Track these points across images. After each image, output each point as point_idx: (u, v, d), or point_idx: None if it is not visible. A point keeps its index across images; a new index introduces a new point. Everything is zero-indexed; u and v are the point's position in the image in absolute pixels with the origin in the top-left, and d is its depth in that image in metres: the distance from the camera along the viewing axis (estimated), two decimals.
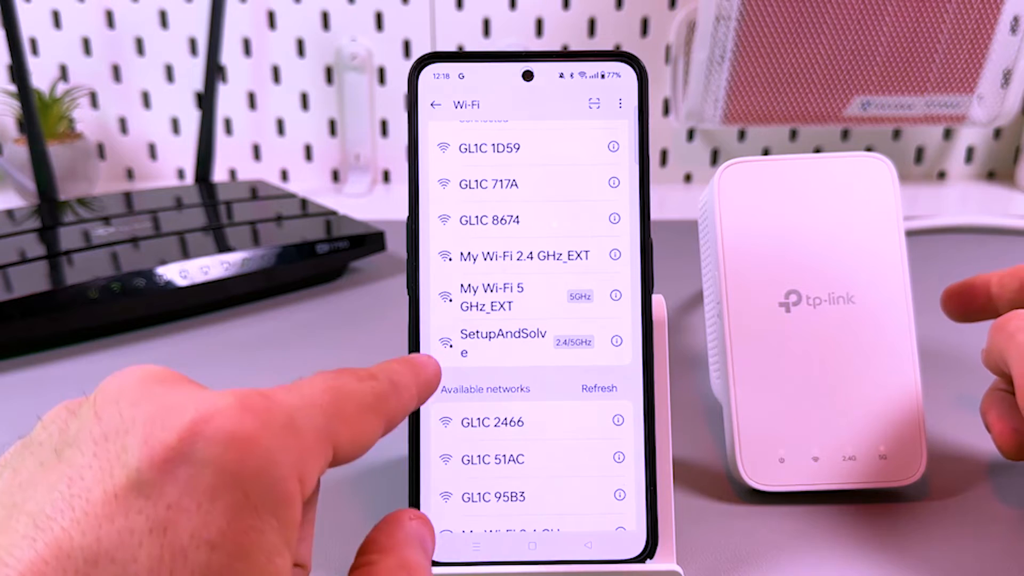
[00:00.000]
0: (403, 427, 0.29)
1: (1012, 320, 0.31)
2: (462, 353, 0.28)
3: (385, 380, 0.21)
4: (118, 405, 0.17)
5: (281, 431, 0.17)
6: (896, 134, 0.83)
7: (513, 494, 0.28)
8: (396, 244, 0.62)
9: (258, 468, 0.16)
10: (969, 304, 0.36)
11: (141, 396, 0.17)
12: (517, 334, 0.28)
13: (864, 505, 0.33)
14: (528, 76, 0.28)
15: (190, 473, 0.16)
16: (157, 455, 0.16)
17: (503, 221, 0.28)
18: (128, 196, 0.67)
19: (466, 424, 0.28)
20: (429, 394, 0.23)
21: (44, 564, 0.15)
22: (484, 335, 0.28)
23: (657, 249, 0.29)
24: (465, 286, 0.28)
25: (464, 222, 0.28)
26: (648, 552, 0.27)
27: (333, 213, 0.63)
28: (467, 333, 0.28)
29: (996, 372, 0.33)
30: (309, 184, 0.84)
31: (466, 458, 0.28)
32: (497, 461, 0.28)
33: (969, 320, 0.37)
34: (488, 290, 0.28)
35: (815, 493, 0.34)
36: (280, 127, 0.84)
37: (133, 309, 0.50)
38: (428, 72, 0.28)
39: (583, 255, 0.28)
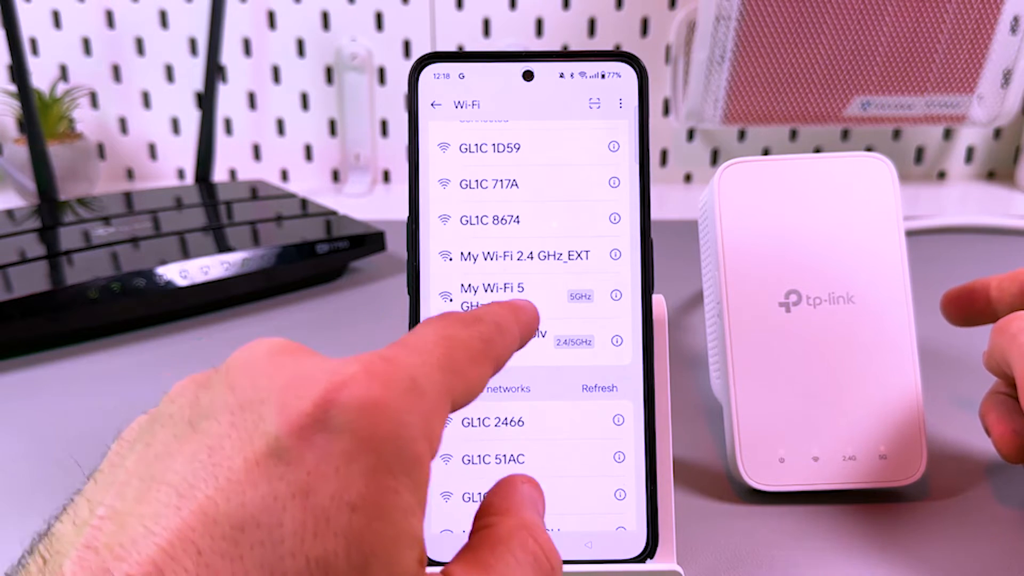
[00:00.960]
0: None
1: (1014, 322, 0.31)
2: None
3: (491, 323, 0.21)
4: (251, 376, 0.18)
5: (406, 394, 0.18)
6: (896, 134, 0.83)
7: None
8: (396, 244, 0.62)
9: (389, 432, 0.17)
10: (968, 308, 0.36)
11: (272, 367, 0.18)
12: None
13: (864, 505, 0.33)
14: (528, 76, 0.28)
15: (327, 439, 0.16)
16: (294, 423, 0.16)
17: (503, 221, 0.28)
18: (128, 196, 0.67)
19: (466, 424, 0.28)
20: (530, 337, 0.23)
21: (191, 531, 0.15)
22: None
23: (657, 249, 0.29)
24: (465, 286, 0.28)
25: (464, 222, 0.28)
26: (648, 552, 0.27)
27: (333, 213, 0.63)
28: None
29: (998, 374, 0.33)
30: (309, 184, 0.84)
31: (466, 458, 0.28)
32: (497, 461, 0.28)
33: (969, 324, 0.37)
34: (488, 290, 0.28)
35: (815, 493, 0.34)
36: (280, 127, 0.84)
37: (133, 309, 0.50)
38: (428, 72, 0.28)
39: (583, 255, 0.28)
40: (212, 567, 0.15)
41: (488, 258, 0.28)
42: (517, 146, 0.28)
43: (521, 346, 0.23)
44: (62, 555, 0.16)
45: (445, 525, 0.28)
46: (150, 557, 0.15)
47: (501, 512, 0.21)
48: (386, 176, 0.86)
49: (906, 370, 0.34)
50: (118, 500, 0.16)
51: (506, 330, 0.22)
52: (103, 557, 0.15)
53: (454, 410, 0.20)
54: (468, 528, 0.27)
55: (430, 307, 0.28)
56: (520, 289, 0.28)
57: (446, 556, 0.27)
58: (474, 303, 0.28)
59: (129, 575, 0.15)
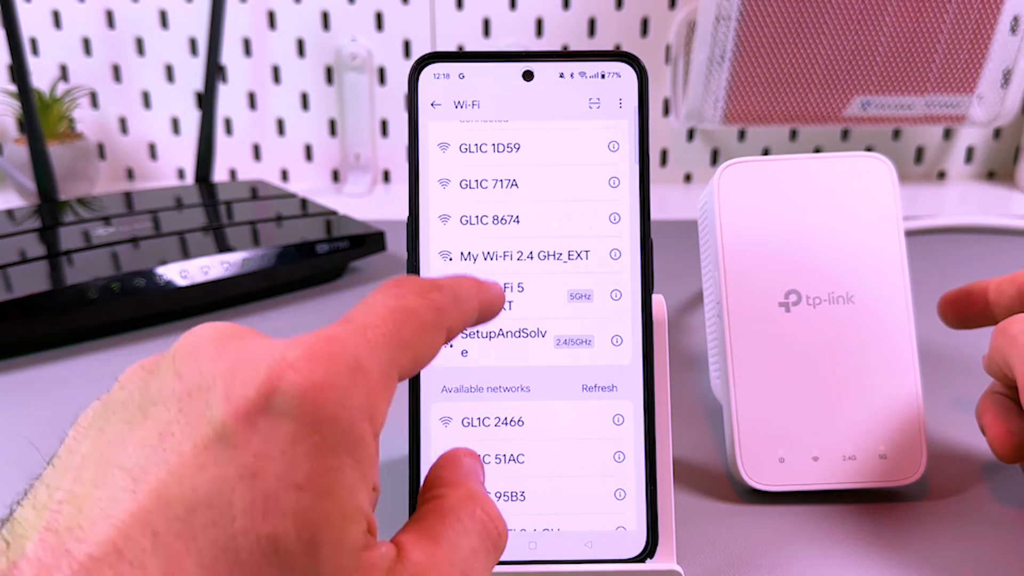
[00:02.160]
0: (403, 427, 0.29)
1: (1014, 323, 0.31)
2: (462, 353, 0.28)
3: (449, 292, 0.22)
4: (197, 362, 0.18)
5: (349, 375, 0.18)
6: (896, 134, 0.83)
7: (513, 494, 0.28)
8: (396, 244, 0.62)
9: (332, 414, 0.17)
10: (966, 311, 0.36)
11: (217, 352, 0.18)
12: (517, 334, 0.28)
13: (864, 505, 0.33)
14: (528, 76, 0.28)
15: (271, 423, 0.17)
16: (239, 409, 0.17)
17: (503, 221, 0.28)
18: (128, 196, 0.67)
19: (466, 424, 0.28)
20: (491, 315, 0.24)
21: (147, 513, 0.16)
22: (484, 335, 0.28)
23: (657, 249, 0.29)
24: None
25: (464, 222, 0.28)
26: (648, 552, 0.27)
27: (333, 213, 0.63)
28: (467, 333, 0.28)
29: (998, 376, 0.33)
30: (309, 184, 0.84)
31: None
32: (497, 461, 0.28)
33: (967, 327, 0.37)
34: None
35: (815, 493, 0.34)
36: (280, 127, 0.84)
37: (133, 309, 0.50)
38: (428, 72, 0.28)
39: (583, 255, 0.28)
40: (168, 547, 0.16)
41: (488, 258, 0.28)
42: (517, 146, 0.28)
43: (480, 322, 0.23)
44: (24, 538, 0.17)
45: None
46: (109, 538, 0.16)
47: (448, 484, 0.22)
48: (386, 176, 0.86)
49: (906, 370, 0.34)
50: (76, 484, 0.17)
51: (463, 301, 0.22)
52: (64, 539, 0.16)
53: (402, 380, 0.20)
54: None
55: None
56: (520, 289, 0.28)
57: None
58: None
59: (90, 555, 0.16)
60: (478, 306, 0.23)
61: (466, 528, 0.20)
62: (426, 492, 0.22)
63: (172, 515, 0.16)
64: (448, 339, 0.22)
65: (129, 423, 0.18)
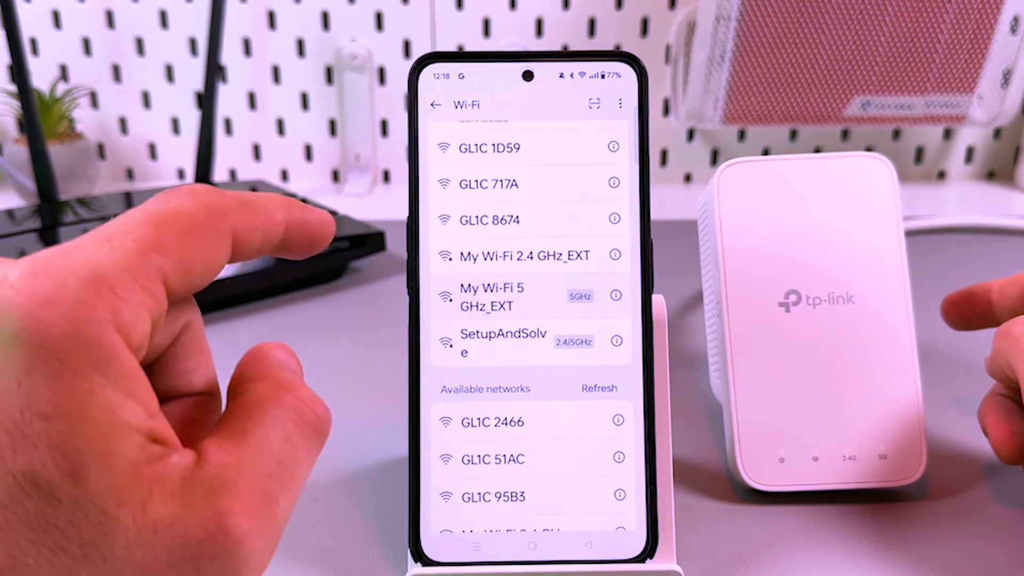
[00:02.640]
0: (403, 427, 0.29)
1: (1017, 325, 0.31)
2: (462, 353, 0.28)
3: (233, 199, 0.20)
4: None
5: (82, 287, 0.17)
6: (896, 134, 0.83)
7: (513, 494, 0.28)
8: (396, 244, 0.62)
9: (67, 331, 0.16)
10: (969, 312, 0.36)
11: None
12: (517, 334, 0.28)
13: (864, 505, 0.33)
14: (528, 76, 0.28)
15: (1, 354, 0.16)
16: None
17: (503, 221, 0.28)
18: (128, 196, 0.67)
19: (466, 424, 0.28)
20: (309, 241, 0.22)
21: None
22: (484, 335, 0.28)
23: (657, 249, 0.29)
24: (465, 286, 0.28)
25: (464, 222, 0.28)
26: (648, 552, 0.27)
27: (333, 213, 0.63)
28: (467, 333, 0.28)
29: (1001, 378, 0.33)
30: (309, 184, 0.85)
31: (466, 458, 0.28)
32: (497, 461, 0.28)
33: (969, 328, 0.37)
34: (488, 290, 0.28)
35: (815, 493, 0.34)
36: (280, 127, 0.84)
37: None
38: (428, 72, 0.28)
39: (583, 255, 0.28)
40: None
41: (488, 258, 0.28)
42: (517, 146, 0.28)
43: (292, 246, 0.22)
44: None
45: (445, 525, 0.28)
46: None
47: (253, 379, 0.20)
48: (386, 176, 0.86)
49: (906, 370, 0.34)
50: None
51: (257, 209, 0.21)
52: None
53: (182, 292, 0.19)
54: (468, 528, 0.28)
55: (430, 307, 0.28)
56: (520, 289, 0.28)
57: (446, 557, 0.27)
58: (474, 303, 0.28)
59: None
60: (282, 221, 0.21)
61: (276, 418, 0.19)
62: (231, 392, 0.20)
63: None
64: (241, 250, 0.20)
65: None
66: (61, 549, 0.16)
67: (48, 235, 0.57)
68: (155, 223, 0.18)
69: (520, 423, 0.28)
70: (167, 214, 0.19)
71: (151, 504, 0.17)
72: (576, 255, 0.28)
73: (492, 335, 0.28)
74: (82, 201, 0.65)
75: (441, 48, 0.81)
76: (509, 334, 0.28)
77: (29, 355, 0.16)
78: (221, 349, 0.49)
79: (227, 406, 0.20)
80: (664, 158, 0.84)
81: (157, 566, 0.17)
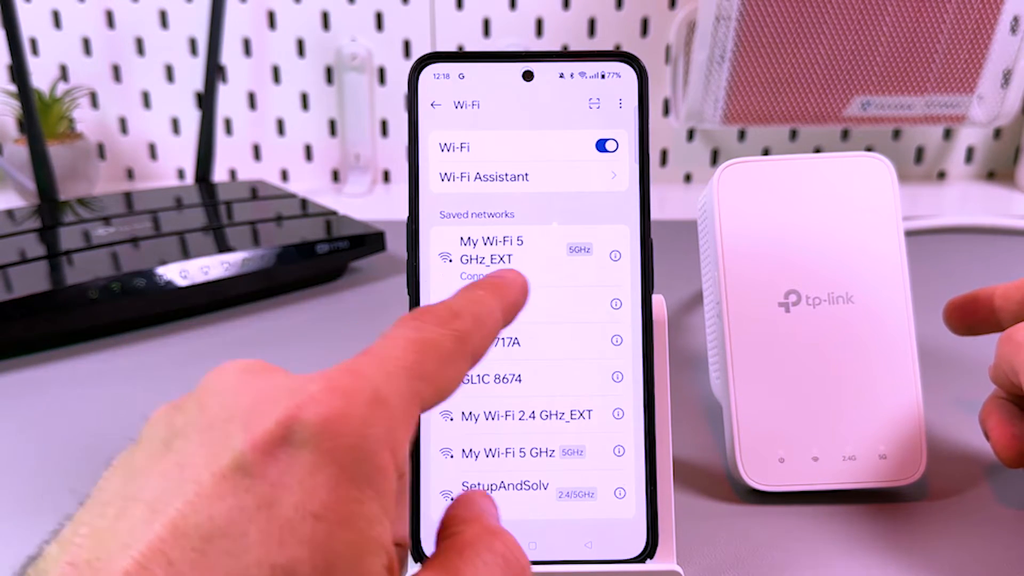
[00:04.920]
0: None
1: (1020, 331, 0.31)
2: None
3: (468, 317, 0.22)
4: (220, 397, 0.19)
5: (368, 407, 0.18)
6: (896, 134, 0.83)
7: (514, 488, 0.28)
8: (396, 244, 0.62)
9: (351, 444, 0.18)
10: (972, 317, 0.36)
11: (240, 387, 0.19)
12: (512, 341, 0.28)
13: (864, 505, 0.33)
14: (528, 76, 0.28)
15: (290, 454, 0.17)
16: (258, 439, 0.17)
17: (504, 216, 0.28)
18: (128, 196, 0.67)
19: (466, 419, 0.28)
20: (517, 311, 0.24)
21: (162, 543, 0.16)
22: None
23: (657, 249, 0.29)
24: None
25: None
26: (648, 552, 0.27)
27: (333, 213, 0.63)
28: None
29: (1004, 385, 0.33)
30: (309, 184, 0.85)
31: (466, 453, 0.28)
32: (499, 455, 0.28)
33: (972, 333, 0.36)
34: None
35: (815, 493, 0.34)
36: (280, 127, 0.84)
37: (133, 309, 0.50)
38: (428, 72, 0.28)
39: (587, 249, 0.28)
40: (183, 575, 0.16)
41: (488, 243, 0.28)
42: (516, 146, 0.28)
43: (506, 325, 0.23)
44: (46, 573, 0.17)
45: None
46: (124, 568, 0.16)
47: (463, 522, 0.22)
48: (386, 176, 0.86)
49: (906, 370, 0.34)
50: (99, 519, 0.17)
51: (485, 321, 0.22)
52: (82, 571, 0.16)
53: (427, 410, 0.21)
54: None
55: None
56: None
57: None
58: None
59: None
60: (502, 317, 0.23)
61: (485, 561, 0.20)
62: (442, 532, 0.22)
63: (188, 545, 0.16)
64: (474, 363, 0.22)
65: (152, 456, 0.18)
66: None
67: (48, 235, 0.57)
68: (417, 352, 0.20)
69: (521, 415, 0.28)
70: (425, 343, 0.21)
71: None
72: (578, 249, 0.28)
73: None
74: (82, 201, 0.65)
75: (441, 48, 0.81)
76: (509, 339, 0.28)
77: (316, 459, 0.17)
78: (221, 349, 0.49)
79: (439, 544, 0.21)
80: (664, 158, 0.84)
81: None
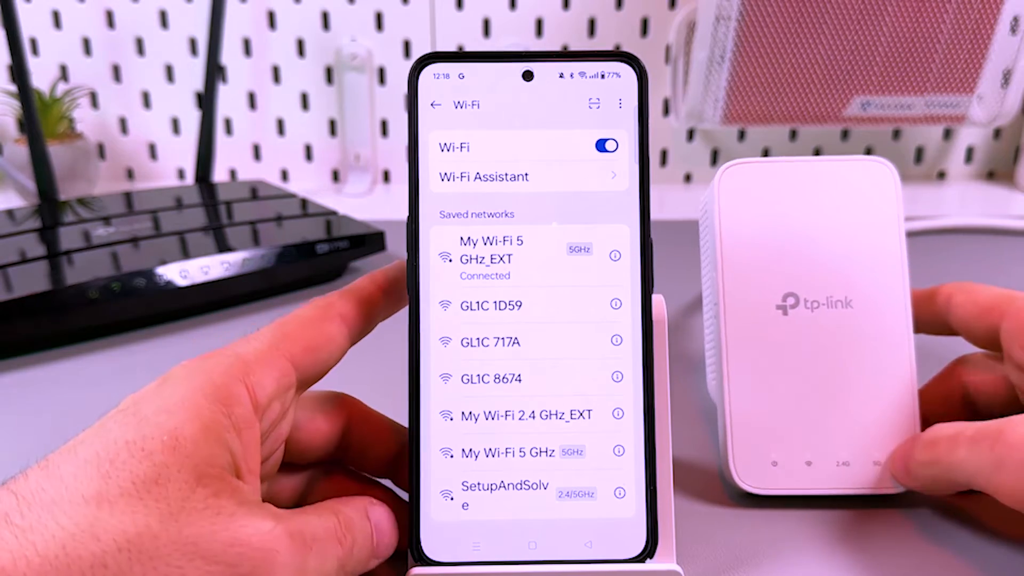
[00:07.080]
0: (404, 423, 0.29)
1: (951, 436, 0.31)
2: (463, 342, 0.28)
3: (335, 292, 0.29)
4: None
5: (228, 357, 0.27)
6: (896, 134, 0.83)
7: (514, 488, 0.28)
8: (396, 244, 0.62)
9: (207, 378, 0.26)
10: (923, 312, 0.36)
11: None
12: (509, 342, 0.28)
13: (857, 510, 0.33)
14: (528, 76, 0.28)
15: (160, 383, 0.27)
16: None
17: (504, 215, 0.28)
18: (128, 196, 0.67)
19: (466, 418, 0.28)
20: (399, 290, 0.31)
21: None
22: (484, 336, 0.28)
23: (657, 249, 0.29)
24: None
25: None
26: (648, 552, 0.27)
27: (333, 213, 0.63)
28: (466, 342, 0.28)
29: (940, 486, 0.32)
30: (309, 184, 0.85)
31: (465, 452, 0.28)
32: (498, 455, 0.28)
33: (923, 331, 0.36)
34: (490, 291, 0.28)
35: (808, 498, 0.34)
36: (280, 127, 0.84)
37: (133, 309, 0.50)
38: (428, 72, 0.28)
39: (586, 248, 0.28)
40: None
41: (488, 243, 0.28)
42: (517, 146, 0.28)
43: (382, 299, 0.30)
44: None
45: (445, 524, 0.28)
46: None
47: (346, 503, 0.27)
48: (386, 176, 0.86)
49: (903, 377, 0.34)
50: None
51: (350, 289, 0.29)
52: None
53: (315, 368, 0.27)
54: (470, 527, 0.28)
55: (430, 308, 0.28)
56: (518, 306, 0.28)
57: (446, 556, 0.27)
58: (473, 302, 0.28)
59: None
60: (369, 286, 0.30)
61: (354, 505, 0.27)
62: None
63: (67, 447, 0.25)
64: (356, 325, 0.29)
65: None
66: None
67: (48, 235, 0.57)
68: (280, 323, 0.27)
69: (521, 414, 0.28)
70: (289, 316, 0.27)
71: None
72: (578, 249, 0.28)
73: (493, 334, 0.28)
74: (82, 201, 0.65)
75: (441, 48, 0.81)
76: (509, 340, 0.28)
77: (177, 385, 0.26)
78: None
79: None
80: (664, 158, 0.84)
81: None
